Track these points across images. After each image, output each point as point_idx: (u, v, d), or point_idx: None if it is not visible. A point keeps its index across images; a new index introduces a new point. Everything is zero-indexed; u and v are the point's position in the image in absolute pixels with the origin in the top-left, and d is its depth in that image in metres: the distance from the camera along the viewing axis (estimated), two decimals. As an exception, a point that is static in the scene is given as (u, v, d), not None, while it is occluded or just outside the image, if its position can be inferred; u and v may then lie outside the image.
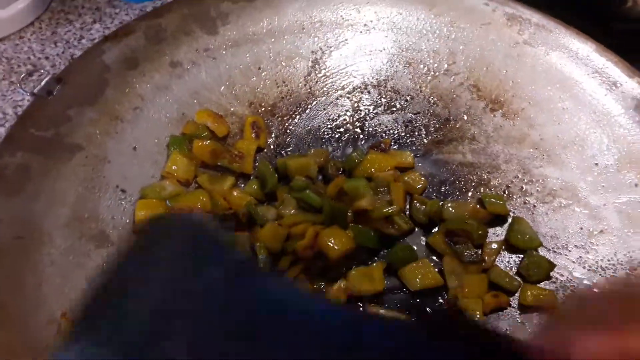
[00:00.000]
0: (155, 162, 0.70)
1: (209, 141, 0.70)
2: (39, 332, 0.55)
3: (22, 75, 0.70)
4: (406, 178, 0.72)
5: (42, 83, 0.69)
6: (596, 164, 0.74)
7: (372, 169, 0.71)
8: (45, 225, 0.61)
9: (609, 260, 0.66)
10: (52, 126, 0.68)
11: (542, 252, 0.68)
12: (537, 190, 0.73)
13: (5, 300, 0.55)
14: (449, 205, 0.69)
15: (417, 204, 0.70)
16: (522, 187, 0.74)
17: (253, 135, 0.74)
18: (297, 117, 0.79)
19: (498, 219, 0.71)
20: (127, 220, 0.65)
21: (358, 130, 0.78)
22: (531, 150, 0.76)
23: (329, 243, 0.62)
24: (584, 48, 0.80)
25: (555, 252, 0.68)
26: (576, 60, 0.80)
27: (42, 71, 0.70)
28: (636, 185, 0.72)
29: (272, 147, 0.76)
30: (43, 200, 0.63)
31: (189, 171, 0.69)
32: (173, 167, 0.69)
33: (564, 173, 0.74)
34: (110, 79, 0.73)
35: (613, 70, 0.79)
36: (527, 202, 0.72)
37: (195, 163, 0.70)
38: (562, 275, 0.66)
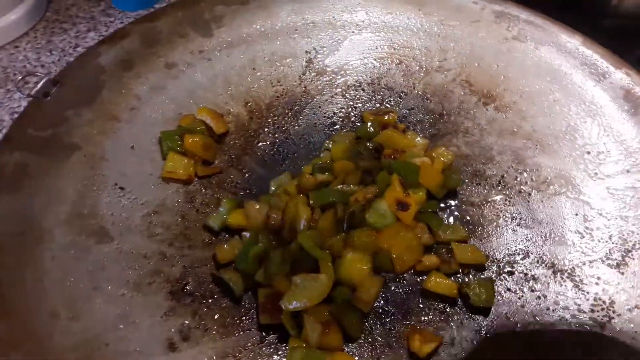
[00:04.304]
0: (153, 160, 0.71)
1: (198, 136, 0.71)
2: (41, 325, 0.54)
3: (19, 78, 0.71)
4: (434, 154, 0.74)
5: (39, 85, 0.69)
6: (588, 152, 0.75)
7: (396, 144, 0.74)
8: (45, 221, 0.61)
9: (604, 243, 0.67)
10: (50, 126, 0.68)
11: (539, 241, 0.68)
12: (532, 179, 0.74)
13: (7, 294, 0.55)
14: None
15: None
16: (516, 177, 0.74)
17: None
18: (293, 115, 0.79)
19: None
20: (126, 216, 0.65)
21: (354, 127, 0.79)
22: (524, 141, 0.77)
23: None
24: (572, 41, 0.82)
25: (554, 240, 0.68)
26: (565, 54, 0.82)
27: (39, 74, 0.70)
28: (627, 171, 0.73)
29: (268, 143, 0.76)
30: (42, 198, 0.63)
31: (188, 168, 0.69)
32: (172, 166, 0.69)
33: (557, 162, 0.75)
34: (107, 80, 0.74)
35: (601, 62, 0.80)
36: (522, 190, 0.73)
37: (194, 160, 0.71)
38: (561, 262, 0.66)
